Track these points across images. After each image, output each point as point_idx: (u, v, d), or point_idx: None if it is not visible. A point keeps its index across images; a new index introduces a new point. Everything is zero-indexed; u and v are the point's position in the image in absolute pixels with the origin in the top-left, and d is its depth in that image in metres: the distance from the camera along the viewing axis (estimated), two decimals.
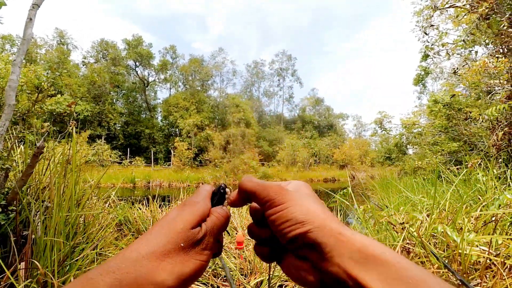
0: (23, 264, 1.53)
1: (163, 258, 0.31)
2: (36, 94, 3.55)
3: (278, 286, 1.36)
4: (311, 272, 0.32)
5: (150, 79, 42.25)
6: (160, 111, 41.37)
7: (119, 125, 35.47)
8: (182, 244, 0.32)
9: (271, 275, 1.23)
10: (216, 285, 1.43)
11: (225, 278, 1.49)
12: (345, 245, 0.29)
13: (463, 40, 5.62)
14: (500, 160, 3.75)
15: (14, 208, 1.55)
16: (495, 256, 1.37)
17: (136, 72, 40.60)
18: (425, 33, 7.31)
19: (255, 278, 1.43)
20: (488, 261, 1.44)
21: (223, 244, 1.85)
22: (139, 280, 0.28)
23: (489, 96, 4.95)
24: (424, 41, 8.11)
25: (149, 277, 0.29)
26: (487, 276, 1.41)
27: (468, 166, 3.39)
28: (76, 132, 1.95)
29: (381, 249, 0.28)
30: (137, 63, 39.91)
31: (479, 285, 1.36)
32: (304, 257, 0.32)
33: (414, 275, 0.25)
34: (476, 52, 5.89)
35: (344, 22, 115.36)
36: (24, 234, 1.64)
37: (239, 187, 0.39)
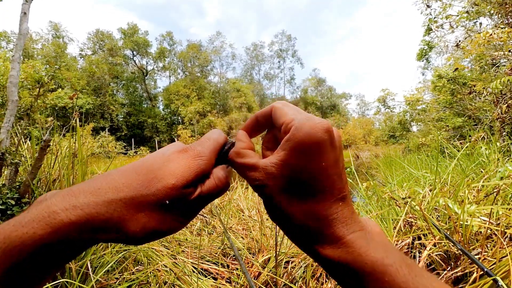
0: None
1: (141, 209, 0.26)
2: (37, 89, 3.57)
3: (285, 262, 1.43)
4: None
5: (149, 67, 41.89)
6: (161, 100, 41.24)
7: (122, 116, 35.55)
8: (167, 202, 0.27)
9: (277, 253, 1.29)
10: (226, 264, 1.50)
11: (234, 257, 1.55)
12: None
13: (467, 12, 5.43)
14: (504, 133, 3.72)
15: (28, 200, 1.61)
16: (495, 226, 1.40)
17: (134, 61, 40.20)
18: (428, 6, 7.07)
19: (263, 255, 1.50)
20: (488, 231, 1.47)
21: (231, 226, 1.89)
22: (108, 225, 0.25)
23: (493, 69, 4.85)
24: (427, 14, 7.85)
25: (119, 225, 0.25)
26: (488, 245, 1.45)
27: (472, 140, 3.38)
28: (80, 125, 1.98)
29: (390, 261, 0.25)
30: (134, 52, 39.43)
31: (480, 254, 1.40)
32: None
33: None
34: (480, 23, 5.70)
35: (342, 0, 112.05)
36: None
37: (272, 112, 0.33)
